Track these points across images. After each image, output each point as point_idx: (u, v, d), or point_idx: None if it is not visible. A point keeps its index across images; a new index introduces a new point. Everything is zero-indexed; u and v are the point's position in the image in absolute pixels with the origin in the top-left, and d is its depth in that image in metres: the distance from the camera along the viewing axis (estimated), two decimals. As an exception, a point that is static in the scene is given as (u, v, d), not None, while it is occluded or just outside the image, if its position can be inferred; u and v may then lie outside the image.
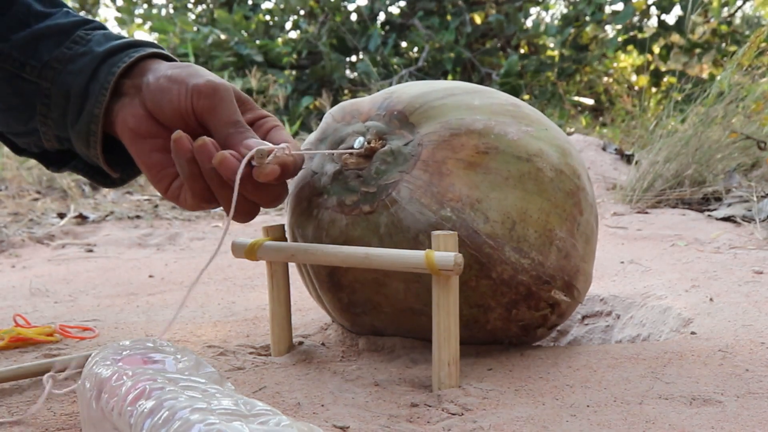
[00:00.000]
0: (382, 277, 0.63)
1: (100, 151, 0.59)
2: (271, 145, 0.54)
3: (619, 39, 4.35)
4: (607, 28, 4.54)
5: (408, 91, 0.67)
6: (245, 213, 0.57)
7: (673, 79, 4.07)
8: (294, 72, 4.65)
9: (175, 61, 0.62)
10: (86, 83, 0.59)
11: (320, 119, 3.02)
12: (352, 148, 0.64)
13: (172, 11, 5.38)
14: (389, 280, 0.63)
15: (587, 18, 4.40)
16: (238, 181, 0.52)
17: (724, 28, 4.36)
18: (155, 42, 0.63)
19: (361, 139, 0.64)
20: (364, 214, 0.62)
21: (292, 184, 0.69)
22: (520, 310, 0.63)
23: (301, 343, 0.72)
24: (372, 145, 0.63)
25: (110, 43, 0.60)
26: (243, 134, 0.55)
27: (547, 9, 5.01)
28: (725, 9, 4.41)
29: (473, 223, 0.59)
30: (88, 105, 0.58)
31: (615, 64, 4.83)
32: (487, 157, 0.61)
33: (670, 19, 4.32)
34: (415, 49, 4.69)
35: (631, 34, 4.37)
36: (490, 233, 0.60)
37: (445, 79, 4.28)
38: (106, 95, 0.58)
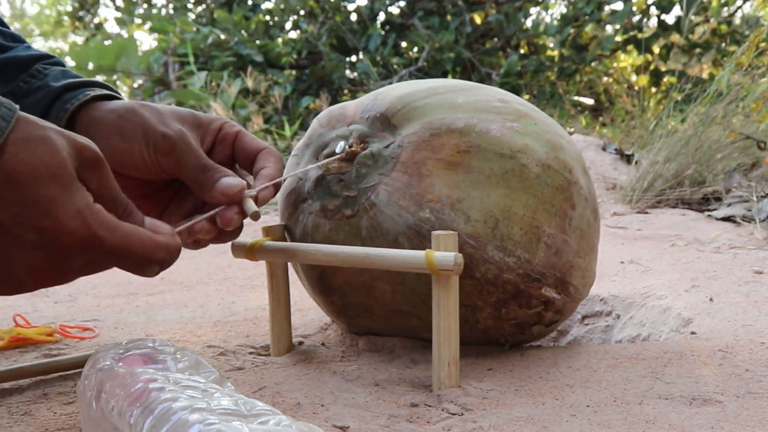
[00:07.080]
0: (370, 280, 0.63)
1: None
2: (242, 182, 0.55)
3: (618, 38, 4.34)
4: (607, 27, 4.54)
5: (392, 92, 0.66)
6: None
7: (673, 79, 4.07)
8: (294, 72, 4.65)
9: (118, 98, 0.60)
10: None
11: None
12: (335, 153, 0.64)
13: (171, 11, 5.38)
14: (377, 283, 0.63)
15: (587, 17, 4.40)
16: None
17: (723, 28, 4.36)
18: (108, 84, 0.61)
19: (342, 143, 0.64)
20: (346, 218, 0.62)
21: (280, 189, 0.69)
22: (510, 308, 0.63)
23: (301, 343, 0.72)
24: (353, 148, 0.63)
25: (67, 79, 0.59)
26: (213, 176, 0.55)
27: (546, 9, 5.02)
28: (725, 9, 4.41)
29: (453, 224, 0.59)
30: None
31: (615, 64, 4.83)
32: (468, 156, 0.61)
33: (670, 19, 4.32)
34: (415, 49, 4.69)
35: (631, 34, 4.37)
36: (471, 233, 0.59)
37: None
38: None
